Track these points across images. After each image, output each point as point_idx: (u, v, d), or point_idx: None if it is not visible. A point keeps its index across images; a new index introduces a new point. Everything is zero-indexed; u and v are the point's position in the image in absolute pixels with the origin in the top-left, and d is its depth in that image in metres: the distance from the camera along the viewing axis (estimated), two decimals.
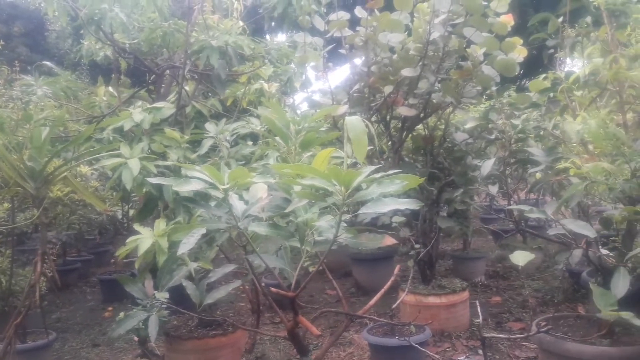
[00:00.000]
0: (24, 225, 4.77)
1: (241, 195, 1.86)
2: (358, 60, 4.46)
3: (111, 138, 3.64)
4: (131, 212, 7.16)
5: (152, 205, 3.00)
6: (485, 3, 3.99)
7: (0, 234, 4.82)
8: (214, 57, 3.33)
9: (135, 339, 4.05)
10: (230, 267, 2.08)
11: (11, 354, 3.47)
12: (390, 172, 1.55)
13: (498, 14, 4.08)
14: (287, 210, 1.80)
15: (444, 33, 3.95)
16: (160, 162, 2.88)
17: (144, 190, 2.93)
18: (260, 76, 4.89)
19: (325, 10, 4.34)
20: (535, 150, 3.26)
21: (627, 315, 2.41)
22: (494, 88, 4.39)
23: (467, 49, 4.12)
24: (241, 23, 4.96)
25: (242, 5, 5.14)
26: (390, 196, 1.53)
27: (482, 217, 8.69)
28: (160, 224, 2.47)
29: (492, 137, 4.47)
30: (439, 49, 4.10)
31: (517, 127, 3.91)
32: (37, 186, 3.42)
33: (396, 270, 2.42)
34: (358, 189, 1.51)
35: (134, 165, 2.70)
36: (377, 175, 1.52)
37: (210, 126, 3.06)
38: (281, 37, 8.40)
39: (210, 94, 5.30)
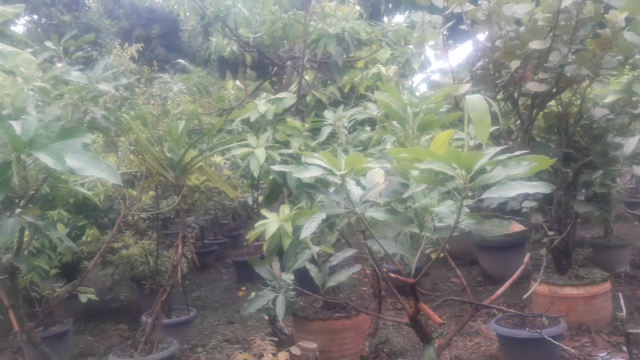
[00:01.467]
0: (167, 212, 5.25)
1: (358, 181, 1.87)
2: (481, 36, 4.22)
3: (240, 129, 3.86)
4: (260, 198, 7.58)
5: (277, 191, 3.13)
6: None
7: (147, 219, 5.37)
8: (331, 45, 3.36)
9: (266, 317, 4.30)
10: (350, 252, 2.10)
11: (158, 327, 3.87)
12: (518, 153, 1.44)
13: None
14: (404, 196, 1.77)
15: None
16: (284, 151, 2.99)
17: (270, 177, 3.06)
18: (377, 60, 4.85)
19: None
20: None
21: None
22: (637, 56, 3.90)
23: (605, 15, 3.70)
24: (358, 8, 4.95)
25: None
26: (519, 179, 1.43)
27: (627, 201, 7.82)
28: (285, 209, 2.58)
29: (637, 111, 3.99)
30: (571, 17, 3.74)
31: None
32: (177, 175, 3.75)
33: (526, 259, 2.27)
34: (481, 172, 1.43)
35: (260, 154, 2.83)
36: (502, 157, 1.42)
37: (328, 114, 3.11)
38: (399, 18, 8.23)
39: (329, 82, 5.39)
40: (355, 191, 1.74)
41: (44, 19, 11.45)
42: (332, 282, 2.11)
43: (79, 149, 1.52)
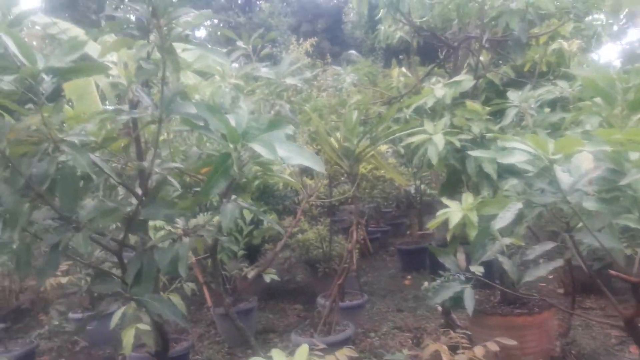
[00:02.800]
0: (340, 199, 5.46)
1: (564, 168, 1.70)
2: None
3: (407, 117, 3.81)
4: (422, 187, 7.49)
5: (455, 179, 3.03)
6: None
7: (319, 206, 5.65)
8: (513, 21, 3.13)
9: (439, 308, 4.23)
10: (549, 245, 1.94)
11: (335, 309, 4.05)
12: None
13: None
14: (622, 183, 1.56)
15: None
16: (463, 136, 2.87)
17: (446, 164, 2.98)
18: (557, 35, 4.41)
19: None
20: None
21: None
22: None
23: None
24: None
25: None
26: None
27: None
28: (468, 198, 2.48)
29: None
30: None
31: None
32: (351, 164, 3.86)
33: None
34: None
35: (439, 140, 2.76)
36: None
37: (513, 94, 2.91)
38: None
39: (500, 62, 5.05)
40: (565, 178, 1.59)
41: (222, 23, 12.66)
42: (529, 277, 1.96)
43: (284, 140, 1.62)
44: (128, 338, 3.49)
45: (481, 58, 4.30)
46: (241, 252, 4.88)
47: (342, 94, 3.95)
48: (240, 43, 3.27)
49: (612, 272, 1.66)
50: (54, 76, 1.60)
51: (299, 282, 6.53)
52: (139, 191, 1.96)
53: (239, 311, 4.73)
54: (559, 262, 1.88)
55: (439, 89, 3.04)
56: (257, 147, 1.54)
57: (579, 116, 2.67)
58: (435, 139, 2.79)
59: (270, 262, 4.16)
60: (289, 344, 4.76)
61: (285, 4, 13.53)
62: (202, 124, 1.66)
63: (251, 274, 4.79)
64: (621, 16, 3.95)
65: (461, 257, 2.33)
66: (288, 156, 1.54)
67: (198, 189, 1.92)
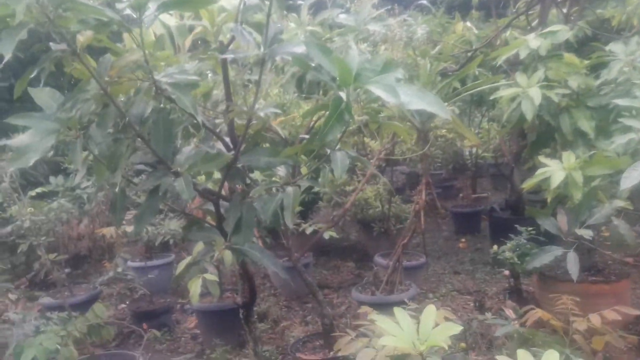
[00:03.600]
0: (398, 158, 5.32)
1: None
2: None
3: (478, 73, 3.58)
4: (475, 149, 7.24)
5: (547, 137, 2.84)
6: None
7: (378, 167, 5.50)
8: None
9: (506, 272, 4.09)
10: None
11: (399, 269, 3.97)
12: None
13: None
14: None
15: None
16: (560, 91, 2.66)
17: (538, 122, 2.78)
18: None
19: None
20: None
21: None
22: None
23: None
24: None
25: None
26: None
27: None
28: (571, 157, 2.30)
29: None
30: None
31: None
32: (423, 120, 3.68)
33: None
34: None
35: (535, 94, 2.56)
36: None
37: (617, 46, 2.66)
38: None
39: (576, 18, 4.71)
40: None
41: None
42: None
43: (400, 83, 1.48)
44: (195, 287, 3.50)
45: (564, 10, 3.99)
46: (298, 208, 4.83)
47: (415, 46, 3.73)
48: None
49: None
50: (157, 8, 1.49)
51: (352, 240, 6.48)
52: (229, 139, 1.88)
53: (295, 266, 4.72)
54: None
55: (533, 40, 2.81)
56: (376, 90, 1.41)
57: None
58: (531, 92, 2.59)
59: (336, 223, 4.09)
60: (345, 299, 4.77)
61: None
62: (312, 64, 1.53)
63: (309, 230, 4.75)
64: None
65: (562, 219, 2.17)
66: (409, 100, 1.40)
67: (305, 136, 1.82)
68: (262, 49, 1.59)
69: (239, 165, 1.71)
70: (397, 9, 4.57)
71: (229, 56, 1.66)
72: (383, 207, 5.25)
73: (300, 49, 1.55)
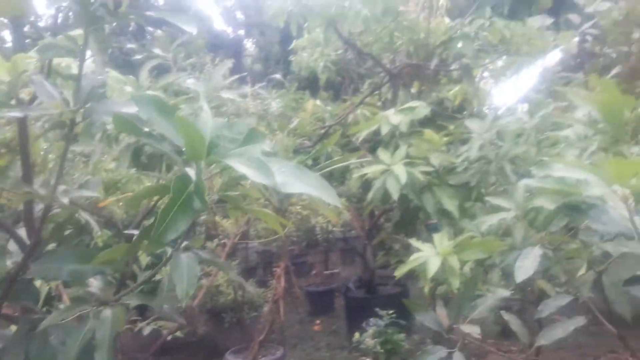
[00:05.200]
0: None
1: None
2: (618, 38, 3.71)
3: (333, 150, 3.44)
4: (325, 224, 7.17)
5: (411, 216, 2.68)
6: None
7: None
8: (467, 45, 2.93)
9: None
10: (566, 299, 1.61)
11: None
12: None
13: None
14: None
15: None
16: (423, 168, 2.54)
17: (400, 200, 2.61)
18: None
19: None
20: None
21: None
22: None
23: None
24: (447, 20, 4.53)
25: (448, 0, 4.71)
26: None
27: None
28: (443, 240, 2.11)
29: None
30: None
31: None
32: (281, 198, 3.36)
33: None
34: None
35: (400, 172, 2.39)
36: None
37: (473, 124, 2.65)
38: None
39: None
40: (619, 216, 1.26)
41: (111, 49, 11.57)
42: (544, 340, 1.60)
43: (268, 159, 1.11)
44: None
45: (412, 90, 4.11)
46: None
47: (270, 120, 3.48)
48: (157, 50, 2.68)
49: None
50: None
51: (200, 334, 5.75)
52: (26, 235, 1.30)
53: None
54: (580, 321, 1.55)
55: (393, 115, 2.70)
56: (241, 166, 1.01)
57: (543, 148, 2.48)
58: (396, 169, 2.42)
59: (188, 324, 3.47)
60: None
61: (181, 33, 12.83)
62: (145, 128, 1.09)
63: (147, 329, 4.00)
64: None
65: (442, 313, 1.92)
66: (286, 181, 1.03)
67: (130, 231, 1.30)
68: (71, 105, 1.11)
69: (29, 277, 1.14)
70: (249, 79, 4.33)
71: (14, 115, 1.13)
72: (236, 294, 4.72)
73: (130, 108, 1.11)
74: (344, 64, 4.76)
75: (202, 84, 2.43)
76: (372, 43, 3.65)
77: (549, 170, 1.34)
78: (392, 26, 3.67)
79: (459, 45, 2.98)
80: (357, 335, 3.54)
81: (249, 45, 13.22)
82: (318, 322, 6.16)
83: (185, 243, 1.16)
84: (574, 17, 3.69)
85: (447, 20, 4.62)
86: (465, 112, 4.37)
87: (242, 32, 13.47)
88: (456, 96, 4.06)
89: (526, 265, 1.51)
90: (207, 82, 2.45)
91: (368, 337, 3.33)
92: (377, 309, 3.73)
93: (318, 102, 5.05)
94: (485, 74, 4.73)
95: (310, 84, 7.13)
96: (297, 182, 1.05)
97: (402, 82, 3.73)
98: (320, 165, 3.16)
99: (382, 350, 3.36)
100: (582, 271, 1.57)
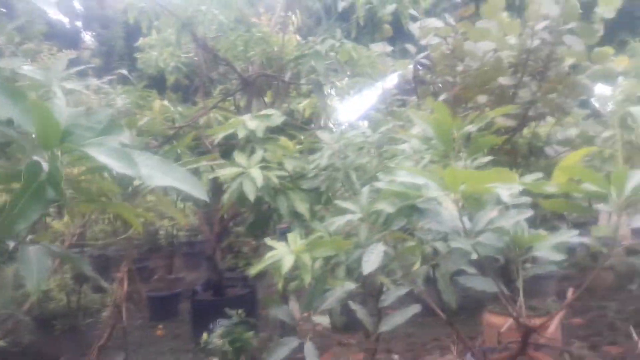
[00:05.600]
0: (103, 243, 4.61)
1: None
2: (445, 69, 4.23)
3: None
4: (170, 228, 6.96)
5: (264, 218, 2.76)
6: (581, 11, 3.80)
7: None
8: (319, 63, 3.11)
9: None
10: (404, 290, 1.81)
11: None
12: None
13: (602, 21, 3.89)
14: (497, 225, 1.53)
15: (548, 39, 3.73)
16: (278, 172, 2.64)
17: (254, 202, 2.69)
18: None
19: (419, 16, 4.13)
20: None
21: None
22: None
23: (567, 57, 3.90)
24: (298, 37, 4.77)
25: (299, 19, 4.96)
26: None
27: None
28: (297, 239, 2.22)
29: None
30: (539, 57, 3.88)
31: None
32: (126, 198, 3.19)
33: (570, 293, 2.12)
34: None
35: (257, 175, 2.46)
36: None
37: (324, 134, 2.83)
38: None
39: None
40: (450, 216, 1.47)
41: None
42: (386, 327, 1.78)
43: (131, 150, 1.09)
44: None
45: (266, 99, 4.22)
46: None
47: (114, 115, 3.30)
48: None
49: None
50: None
51: (25, 344, 5.16)
52: None
53: None
54: (416, 308, 1.76)
55: (250, 121, 2.77)
56: (101, 155, 0.99)
57: (385, 160, 2.74)
58: (252, 172, 2.48)
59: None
60: None
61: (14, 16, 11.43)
62: None
63: None
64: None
65: (294, 306, 2.03)
66: (151, 174, 1.03)
67: None
68: None
69: None
70: (90, 72, 4.06)
71: None
72: (69, 300, 4.35)
73: None
74: (195, 66, 4.72)
75: (41, 71, 2.23)
76: (227, 49, 3.68)
77: (394, 176, 1.52)
78: (247, 36, 3.74)
79: (312, 62, 3.15)
80: (205, 336, 3.51)
81: (88, 38, 12.27)
82: (161, 327, 5.93)
83: (30, 236, 1.07)
84: (410, 47, 4.13)
85: (297, 37, 4.85)
86: (312, 125, 4.62)
87: (79, 23, 12.45)
88: (305, 109, 4.27)
89: (372, 259, 1.68)
90: (46, 71, 2.24)
91: (216, 337, 3.31)
92: (226, 309, 3.74)
93: (166, 102, 4.91)
94: (332, 91, 5.05)
95: (157, 84, 6.88)
96: (163, 175, 1.05)
97: (256, 90, 3.82)
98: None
99: (230, 349, 3.37)
100: (416, 266, 1.78)
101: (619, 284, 5.94)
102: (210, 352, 3.68)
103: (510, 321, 2.28)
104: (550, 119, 4.35)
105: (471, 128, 2.02)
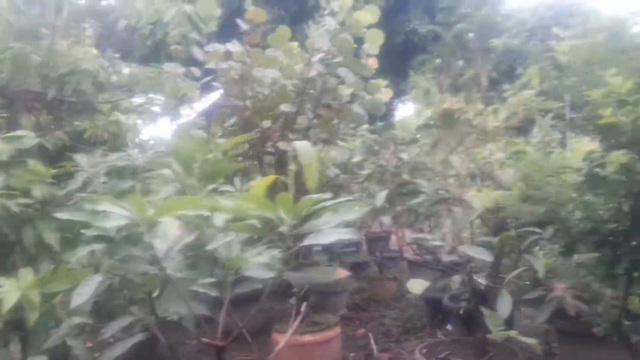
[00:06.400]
0: None
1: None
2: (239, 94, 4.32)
3: None
4: None
5: (5, 251, 2.49)
6: (356, 45, 4.24)
7: None
8: (86, 82, 2.94)
9: None
10: (127, 320, 1.75)
11: None
12: (344, 199, 1.46)
13: (370, 56, 4.35)
14: (208, 248, 1.59)
15: (322, 71, 4.07)
16: (22, 200, 2.41)
17: None
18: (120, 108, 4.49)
19: (205, 41, 4.18)
20: (422, 182, 3.45)
21: (514, 333, 2.60)
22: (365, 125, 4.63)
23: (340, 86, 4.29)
24: (94, 50, 4.54)
25: (96, 32, 4.72)
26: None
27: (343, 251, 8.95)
28: (28, 275, 2.04)
29: (363, 172, 4.63)
30: (316, 87, 4.20)
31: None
32: None
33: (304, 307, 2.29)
34: (309, 217, 1.39)
35: None
36: (329, 203, 1.41)
37: (81, 159, 2.67)
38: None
39: (52, 126, 4.70)
40: (159, 244, 1.48)
41: None
42: (107, 358, 1.70)
43: None
44: None
45: (34, 118, 3.87)
46: None
47: None
48: None
49: (203, 339, 1.64)
50: None
51: None
52: None
53: None
54: (139, 337, 1.72)
55: None
56: None
57: (150, 185, 2.69)
58: None
59: None
60: None
61: None
62: None
63: None
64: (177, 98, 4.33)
65: (15, 348, 1.85)
66: None
67: None
68: None
69: None
70: None
71: None
72: None
73: None
74: None
75: None
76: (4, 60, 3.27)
77: (97, 206, 1.49)
78: (28, 48, 3.40)
79: (77, 80, 2.97)
80: None
81: None
82: None
83: None
84: (194, 70, 4.16)
85: (94, 51, 4.56)
86: (104, 147, 4.35)
87: None
88: (89, 129, 4.02)
89: (85, 291, 1.60)
90: None
91: None
92: None
93: None
94: (130, 111, 4.83)
95: None
96: None
97: (26, 107, 3.48)
98: None
99: None
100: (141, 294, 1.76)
101: (400, 293, 6.60)
102: None
103: (284, 339, 2.38)
104: None
105: (212, 154, 2.09)
